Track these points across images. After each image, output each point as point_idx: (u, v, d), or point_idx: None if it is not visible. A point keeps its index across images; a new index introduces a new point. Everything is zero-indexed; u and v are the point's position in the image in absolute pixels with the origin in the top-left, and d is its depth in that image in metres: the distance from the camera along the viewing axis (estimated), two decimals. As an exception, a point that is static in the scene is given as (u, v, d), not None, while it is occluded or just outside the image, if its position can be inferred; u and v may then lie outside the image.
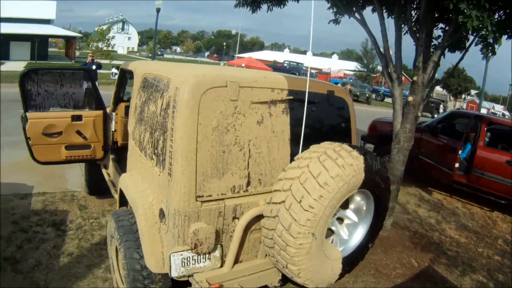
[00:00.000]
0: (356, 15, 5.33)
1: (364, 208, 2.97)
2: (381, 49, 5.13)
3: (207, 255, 2.74)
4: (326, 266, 2.72)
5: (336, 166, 2.45)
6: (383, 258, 4.85)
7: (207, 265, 2.75)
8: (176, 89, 2.57)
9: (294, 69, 27.55)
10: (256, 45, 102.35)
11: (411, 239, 5.59)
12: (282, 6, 7.01)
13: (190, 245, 2.58)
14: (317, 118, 3.24)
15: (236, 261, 2.94)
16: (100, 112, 4.65)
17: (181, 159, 2.50)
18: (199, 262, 2.71)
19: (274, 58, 35.69)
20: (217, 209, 2.69)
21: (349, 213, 2.99)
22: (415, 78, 4.92)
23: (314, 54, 62.37)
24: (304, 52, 69.82)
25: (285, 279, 3.09)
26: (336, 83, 31.92)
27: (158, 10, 20.77)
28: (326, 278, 2.78)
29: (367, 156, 2.62)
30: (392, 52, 5.12)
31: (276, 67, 28.73)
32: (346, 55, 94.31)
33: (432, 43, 4.94)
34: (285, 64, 31.66)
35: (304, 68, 30.66)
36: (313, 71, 37.81)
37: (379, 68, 35.53)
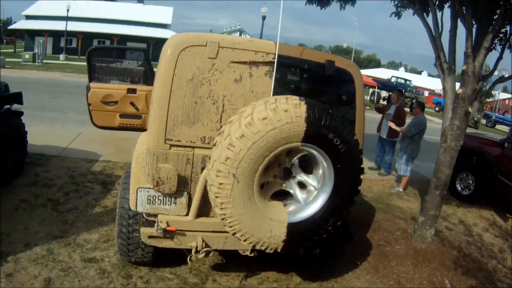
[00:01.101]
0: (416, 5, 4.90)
1: (320, 172, 2.73)
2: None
3: (172, 199, 2.94)
4: (264, 225, 2.63)
5: (266, 109, 2.42)
6: (410, 271, 4.26)
7: (172, 209, 2.96)
8: (163, 49, 2.91)
9: (400, 86, 26.03)
10: (373, 62, 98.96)
11: (455, 259, 4.77)
12: (352, 3, 6.87)
13: (152, 182, 2.82)
14: (310, 87, 3.14)
15: (204, 214, 3.05)
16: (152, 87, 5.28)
17: (155, 104, 2.85)
18: (164, 203, 2.94)
19: (388, 76, 34.28)
20: (185, 155, 2.90)
21: (311, 178, 2.80)
22: (464, 68, 4.28)
23: (429, 75, 57.47)
24: (420, 72, 64.65)
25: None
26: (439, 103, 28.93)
27: (263, 18, 21.64)
28: (263, 238, 2.64)
29: (312, 106, 2.48)
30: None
31: (381, 82, 27.57)
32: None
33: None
34: (392, 80, 30.15)
35: (412, 85, 28.73)
36: (425, 91, 34.99)
37: (494, 92, 30.99)
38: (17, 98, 5.76)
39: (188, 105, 2.82)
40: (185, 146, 2.87)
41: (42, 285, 3.18)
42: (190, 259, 3.01)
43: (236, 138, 2.40)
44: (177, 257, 3.66)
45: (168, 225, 2.90)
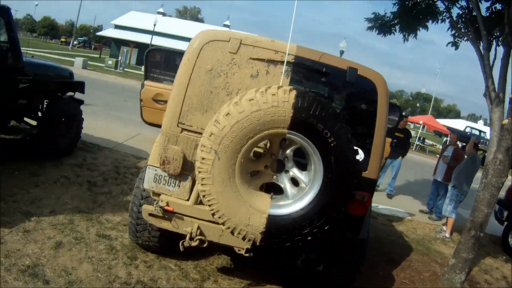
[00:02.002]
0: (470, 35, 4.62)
1: (310, 167, 2.58)
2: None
3: (177, 181, 2.98)
4: (242, 211, 2.55)
5: (255, 92, 2.44)
6: None
7: (176, 192, 2.99)
8: (191, 41, 3.09)
9: (474, 136, 24.35)
10: (452, 112, 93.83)
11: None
12: (415, 35, 6.72)
13: (159, 160, 2.90)
14: (328, 92, 3.05)
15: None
16: None
17: (174, 90, 2.98)
18: (169, 184, 2.99)
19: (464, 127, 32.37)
20: (194, 141, 2.94)
21: (303, 175, 2.66)
22: (511, 96, 3.87)
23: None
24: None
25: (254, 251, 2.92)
26: None
27: (341, 52, 21.70)
28: (240, 224, 2.55)
29: (301, 93, 2.42)
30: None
31: (455, 131, 26.01)
32: None
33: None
34: (466, 130, 28.25)
35: (486, 138, 26.73)
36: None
37: None
38: (80, 86, 6.38)
39: (203, 93, 2.90)
40: (195, 132, 2.91)
41: (52, 246, 3.37)
42: (182, 244, 2.97)
43: (222, 115, 2.44)
44: (185, 253, 3.67)
45: (167, 205, 2.92)
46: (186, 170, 2.92)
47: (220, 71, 2.90)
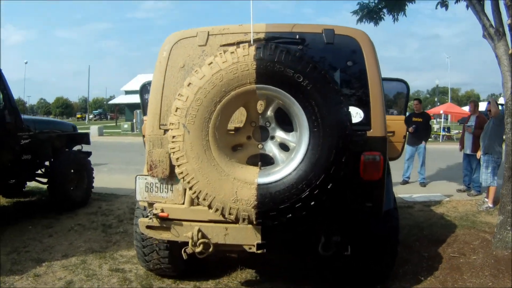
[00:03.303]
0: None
1: (295, 122, 2.34)
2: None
3: (169, 186, 2.80)
4: (226, 185, 2.29)
5: (213, 56, 2.33)
6: (488, 283, 3.27)
7: (169, 197, 2.80)
8: (161, 46, 3.03)
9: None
10: (471, 98, 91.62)
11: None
12: (404, 13, 6.58)
13: (147, 167, 2.77)
14: None
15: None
16: None
17: (152, 94, 2.88)
18: (161, 191, 2.81)
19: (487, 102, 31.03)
20: None
21: (291, 136, 2.43)
22: (509, 21, 3.58)
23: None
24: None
25: (269, 245, 2.65)
26: None
27: None
28: (228, 202, 2.27)
29: (262, 45, 2.26)
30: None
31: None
32: None
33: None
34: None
35: None
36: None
37: None
38: (85, 138, 6.45)
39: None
40: None
41: (62, 285, 3.20)
42: (184, 251, 2.73)
43: (185, 87, 2.32)
44: (204, 272, 3.47)
45: (162, 211, 2.72)
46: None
47: (192, 65, 2.81)
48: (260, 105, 2.56)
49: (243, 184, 2.28)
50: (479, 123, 6.66)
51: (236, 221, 2.34)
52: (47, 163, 5.75)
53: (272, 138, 2.50)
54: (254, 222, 2.31)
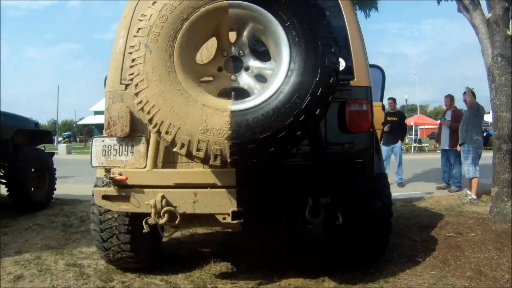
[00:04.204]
0: None
1: (270, 39, 2.06)
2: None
3: (129, 148, 2.44)
4: (194, 112, 1.91)
5: None
6: (493, 256, 3.04)
7: (130, 161, 2.44)
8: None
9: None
10: (440, 114, 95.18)
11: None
12: (375, 8, 6.61)
13: (105, 125, 2.44)
14: None
15: (169, 165, 2.45)
16: None
17: (114, 49, 2.62)
18: (120, 153, 2.45)
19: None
20: None
21: (268, 64, 2.15)
22: None
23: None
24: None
25: (247, 215, 2.30)
26: None
27: None
28: (196, 132, 1.88)
29: None
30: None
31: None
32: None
33: None
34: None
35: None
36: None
37: None
38: (47, 136, 5.94)
39: None
40: None
41: (10, 280, 2.78)
42: (145, 222, 2.34)
43: (149, 6, 2.07)
44: (174, 265, 3.10)
45: (120, 174, 2.33)
46: (137, 131, 2.42)
47: None
48: (232, 36, 2.26)
49: (214, 111, 1.90)
50: (456, 117, 6.66)
51: (205, 160, 1.93)
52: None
53: (247, 69, 2.19)
54: (229, 160, 1.89)
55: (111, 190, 2.34)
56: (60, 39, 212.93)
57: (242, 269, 3.08)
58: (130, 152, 2.43)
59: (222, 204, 2.28)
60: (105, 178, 2.36)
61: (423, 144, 24.55)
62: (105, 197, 2.38)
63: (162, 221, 2.28)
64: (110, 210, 2.66)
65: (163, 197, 2.28)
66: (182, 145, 1.91)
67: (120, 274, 2.93)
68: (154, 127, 1.95)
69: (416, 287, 2.71)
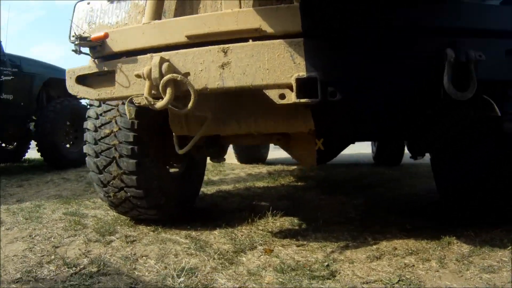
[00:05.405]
0: None
1: None
2: None
3: (123, 4, 1.61)
4: None
5: None
6: None
7: (123, 21, 1.59)
8: None
9: None
10: None
11: None
12: None
13: None
14: None
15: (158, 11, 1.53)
16: None
17: None
18: (110, 15, 1.62)
19: None
20: None
21: None
22: None
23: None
24: None
25: None
26: None
27: None
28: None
29: None
30: None
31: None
32: None
33: None
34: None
35: None
36: None
37: None
38: None
39: None
40: None
41: None
42: (130, 102, 1.49)
43: None
44: (214, 219, 2.21)
45: (104, 35, 1.49)
46: None
47: None
48: None
49: None
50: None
51: None
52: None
53: None
54: None
55: (88, 68, 1.50)
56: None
57: (315, 227, 2.06)
58: (123, 10, 1.59)
59: (276, 67, 1.28)
60: (75, 40, 1.48)
61: None
62: (81, 80, 1.55)
63: (160, 103, 1.33)
64: (108, 123, 1.86)
65: (163, 59, 1.35)
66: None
67: (129, 227, 2.09)
68: None
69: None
